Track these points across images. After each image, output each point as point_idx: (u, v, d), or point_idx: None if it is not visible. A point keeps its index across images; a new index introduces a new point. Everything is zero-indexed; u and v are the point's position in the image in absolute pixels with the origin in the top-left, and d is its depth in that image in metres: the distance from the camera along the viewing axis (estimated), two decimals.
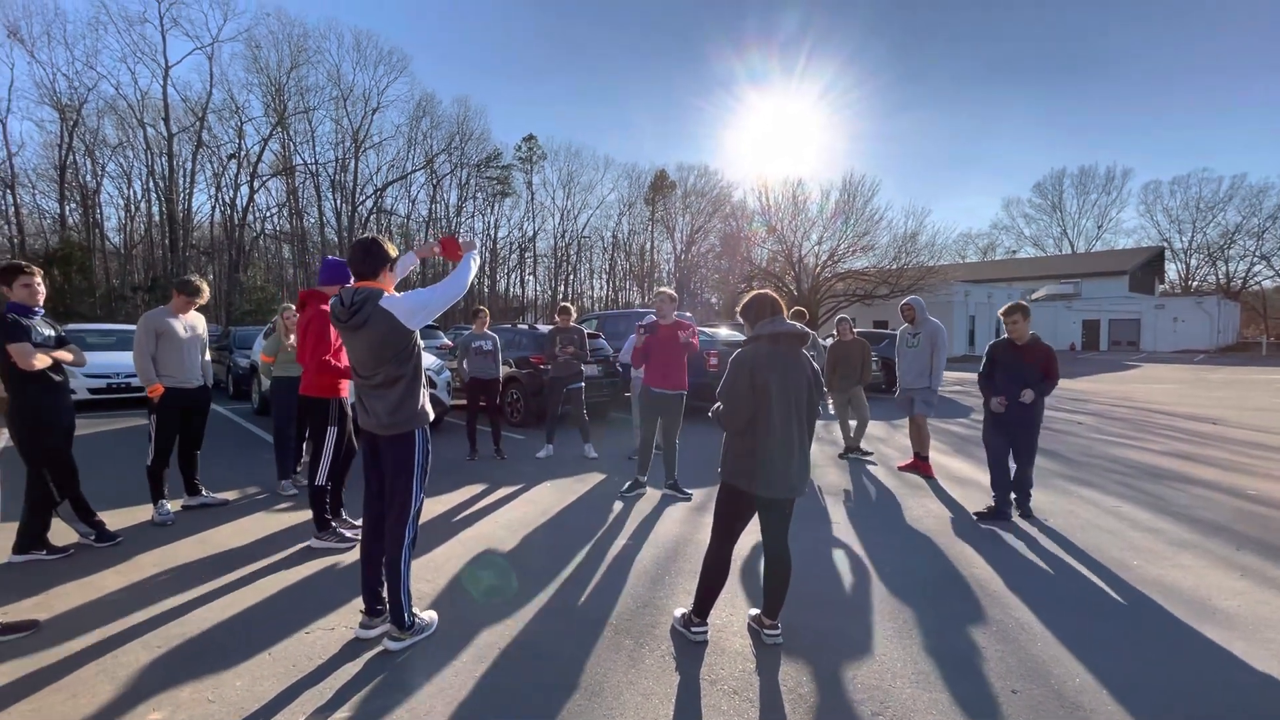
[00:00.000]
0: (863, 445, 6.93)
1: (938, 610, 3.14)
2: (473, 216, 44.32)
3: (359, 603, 2.90)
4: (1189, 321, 37.79)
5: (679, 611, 3.00)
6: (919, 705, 2.34)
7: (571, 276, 48.80)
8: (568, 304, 7.55)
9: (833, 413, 7.10)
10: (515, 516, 4.73)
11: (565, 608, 3.17)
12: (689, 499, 5.14)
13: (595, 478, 5.95)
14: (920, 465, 6.11)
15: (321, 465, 4.04)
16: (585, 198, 47.80)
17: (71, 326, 12.77)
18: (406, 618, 2.74)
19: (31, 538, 3.73)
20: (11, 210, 29.31)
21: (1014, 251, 62.57)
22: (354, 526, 4.14)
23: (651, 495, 5.28)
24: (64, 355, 3.79)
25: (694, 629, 2.82)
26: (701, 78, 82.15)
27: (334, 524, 4.11)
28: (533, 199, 46.28)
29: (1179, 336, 37.49)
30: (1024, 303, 4.70)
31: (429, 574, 3.55)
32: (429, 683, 2.47)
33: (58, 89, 29.25)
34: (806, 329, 2.89)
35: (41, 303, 3.72)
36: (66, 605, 3.13)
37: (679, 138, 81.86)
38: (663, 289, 5.53)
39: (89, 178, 31.62)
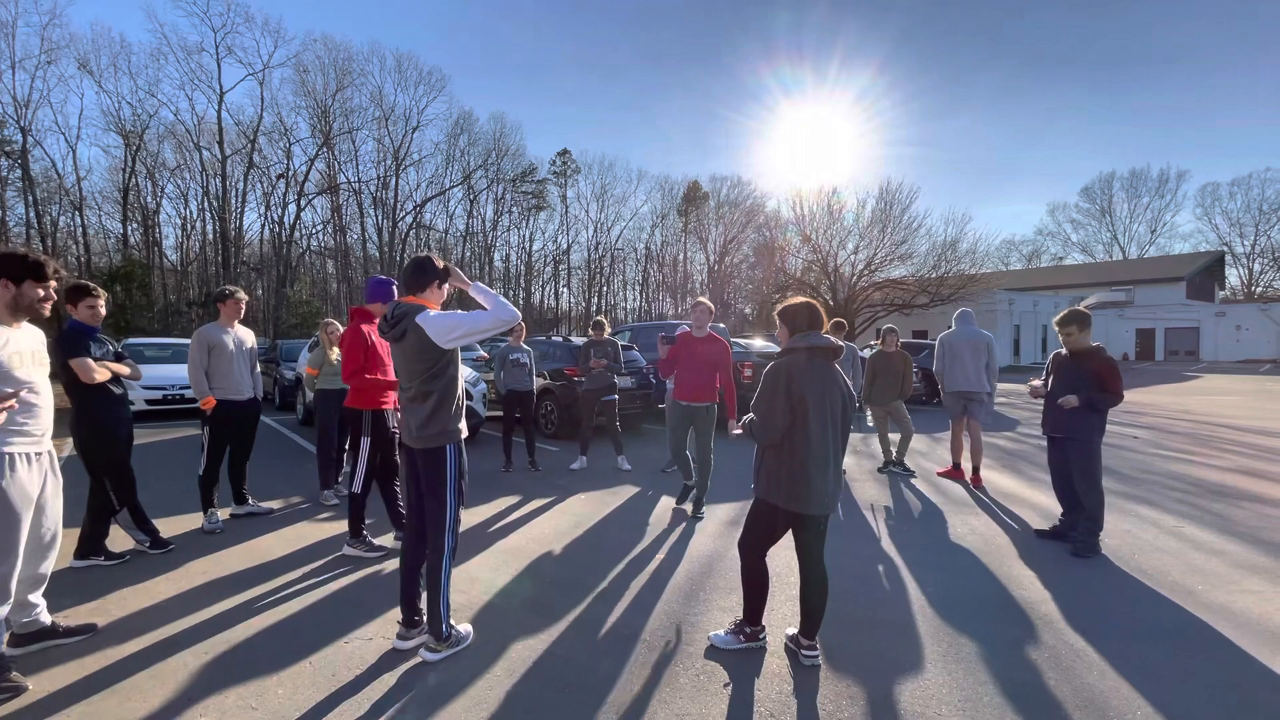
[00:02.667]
0: (905, 460, 6.74)
1: (986, 633, 3.01)
2: (508, 230, 45.15)
3: (396, 613, 2.93)
4: (1253, 329, 35.81)
5: (714, 632, 2.95)
6: None
7: (605, 288, 49.16)
8: (602, 318, 7.59)
9: (871, 425, 6.93)
10: (549, 529, 4.75)
11: (599, 623, 3.15)
12: (701, 518, 4.95)
13: (629, 490, 5.93)
14: (953, 473, 6.22)
15: (357, 474, 4.13)
16: (619, 210, 48.40)
17: (130, 340, 13.46)
18: (444, 629, 2.76)
19: (92, 544, 3.90)
20: (79, 231, 31.12)
21: (1061, 258, 60.59)
22: (371, 545, 4.20)
23: (680, 509, 5.23)
24: (122, 369, 3.97)
25: (749, 633, 2.83)
26: (734, 89, 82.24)
27: (358, 534, 4.18)
28: (567, 212, 46.93)
29: (1242, 345, 35.55)
30: (1082, 309, 4.39)
31: (464, 585, 3.58)
32: (463, 695, 2.48)
33: (122, 116, 31.01)
34: (842, 343, 2.84)
35: (100, 324, 3.91)
36: (122, 610, 3.26)
37: (712, 149, 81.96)
38: (701, 300, 5.29)
39: (149, 199, 33.37)
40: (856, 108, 59.10)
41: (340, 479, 5.75)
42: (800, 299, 2.87)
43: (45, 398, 2.67)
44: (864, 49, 77.07)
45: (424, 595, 2.84)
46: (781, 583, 3.46)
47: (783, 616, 3.14)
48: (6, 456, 2.49)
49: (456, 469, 2.82)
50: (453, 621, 2.87)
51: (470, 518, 4.96)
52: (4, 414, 1.91)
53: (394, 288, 4.30)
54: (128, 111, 31.10)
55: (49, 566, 2.83)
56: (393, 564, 3.86)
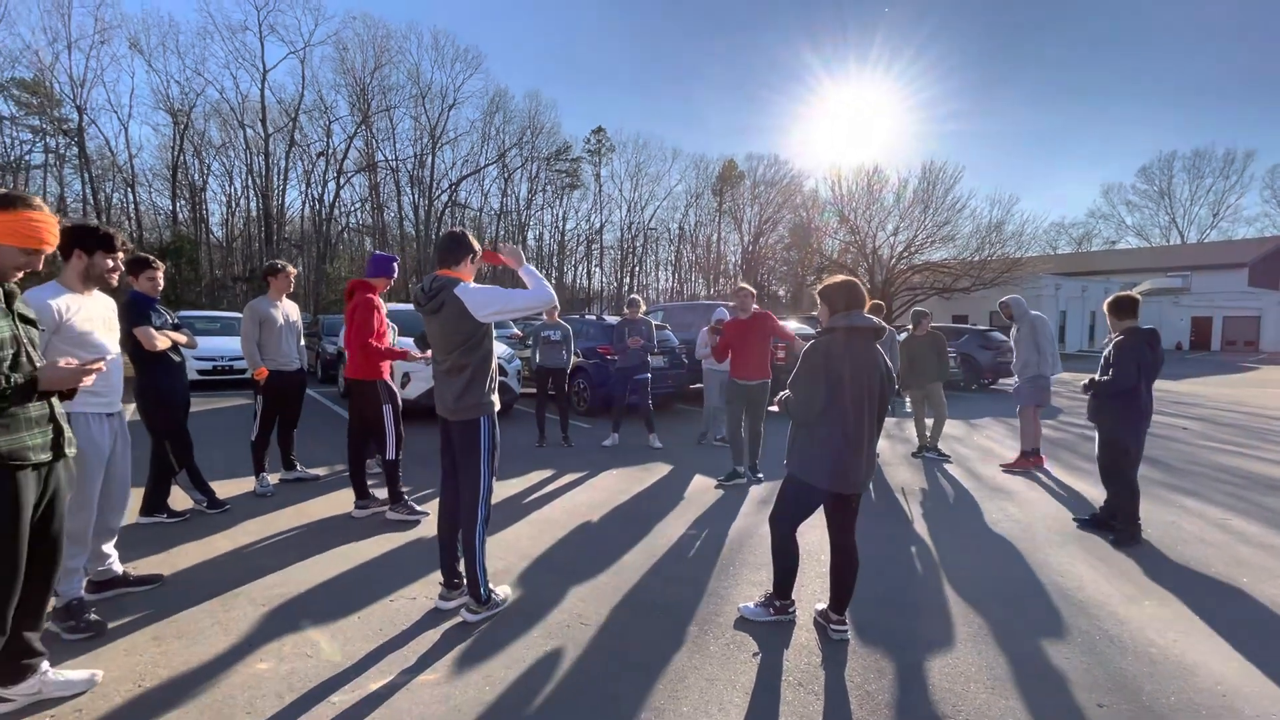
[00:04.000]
0: (939, 445, 6.66)
1: (1017, 616, 3.00)
2: (542, 209, 45.26)
3: (438, 575, 3.07)
4: None
5: (744, 604, 3.01)
6: (994, 712, 2.26)
7: (637, 268, 49.04)
8: (637, 296, 7.63)
9: (908, 410, 6.86)
10: (581, 502, 4.86)
11: (631, 591, 3.24)
12: (759, 482, 5.39)
13: (660, 467, 6.01)
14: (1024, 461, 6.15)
15: (388, 441, 4.31)
16: (652, 189, 47.82)
17: (181, 313, 14.01)
18: (483, 592, 2.88)
19: (155, 502, 4.15)
20: (132, 207, 32.33)
21: (1114, 242, 58.02)
22: (380, 502, 4.43)
23: (730, 486, 5.29)
24: (180, 338, 4.17)
25: (779, 606, 2.90)
26: (773, 67, 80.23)
27: (398, 499, 4.37)
28: (600, 191, 46.74)
29: None
30: (1134, 294, 4.29)
31: (501, 552, 3.71)
32: (503, 653, 2.60)
33: (171, 95, 31.93)
34: (883, 323, 2.82)
35: (159, 295, 4.11)
36: (185, 563, 3.48)
37: (748, 128, 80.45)
38: (743, 285, 5.88)
39: (196, 176, 34.40)
40: (900, 83, 57.10)
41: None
42: (842, 278, 2.85)
43: (116, 362, 2.84)
44: (910, 24, 74.17)
45: (462, 561, 2.96)
46: (812, 559, 3.49)
47: (812, 592, 3.18)
48: (81, 416, 2.68)
49: (490, 441, 2.90)
50: (491, 585, 2.99)
51: (506, 489, 5.11)
52: (93, 377, 2.05)
53: (395, 264, 4.56)
54: (176, 90, 32.02)
55: (119, 520, 3.05)
56: (433, 529, 4.01)
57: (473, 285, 2.84)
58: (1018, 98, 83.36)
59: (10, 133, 29.28)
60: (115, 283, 2.89)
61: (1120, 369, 4.04)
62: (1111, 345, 4.17)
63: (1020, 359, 6.07)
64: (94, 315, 2.73)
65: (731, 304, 5.80)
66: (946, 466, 6.21)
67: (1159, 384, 4.46)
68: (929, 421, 6.69)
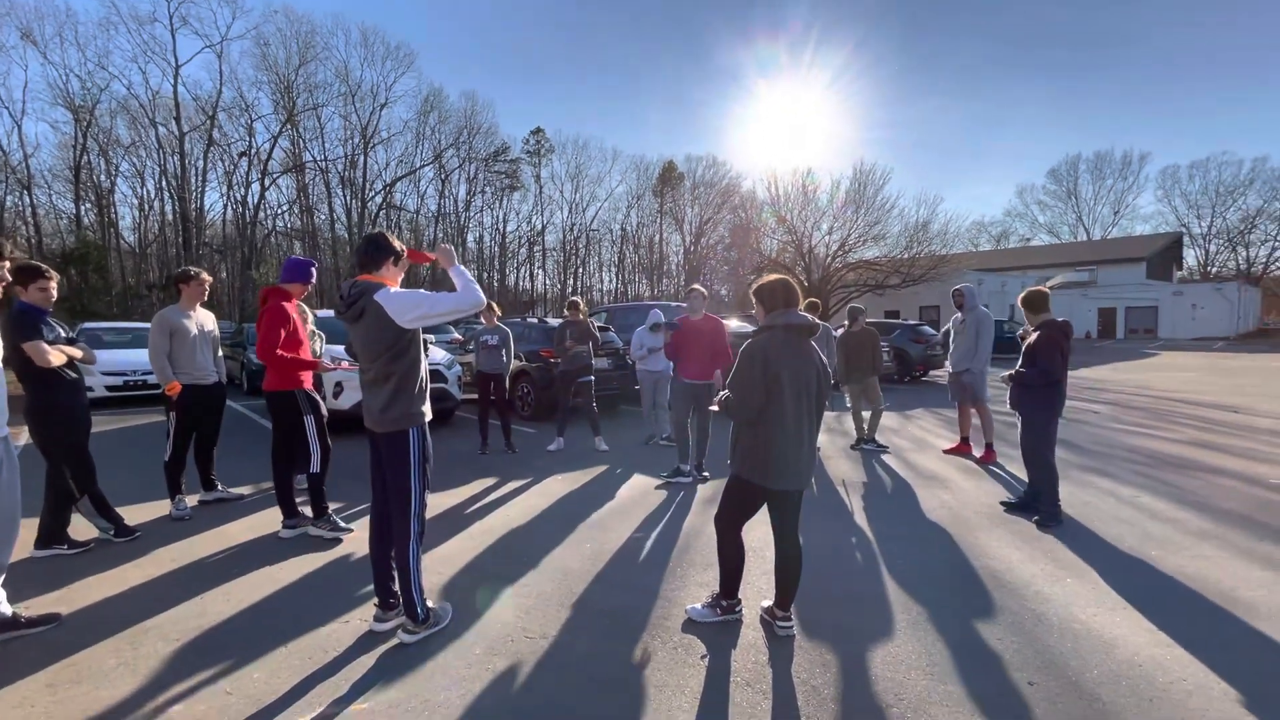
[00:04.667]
0: (876, 437, 6.88)
1: (951, 603, 3.11)
2: (482, 211, 44.42)
3: (373, 595, 2.91)
4: (1208, 308, 37.12)
5: (691, 605, 3.00)
6: (934, 697, 2.32)
7: (580, 270, 48.81)
8: (577, 298, 7.54)
9: (848, 404, 7.06)
10: (526, 509, 4.75)
11: (577, 600, 3.17)
12: (704, 481, 5.43)
13: (606, 470, 5.96)
14: (961, 448, 6.49)
15: (312, 455, 4.11)
16: (594, 190, 47.80)
17: (88, 325, 12.97)
18: (420, 611, 2.75)
19: (52, 533, 3.78)
20: (29, 211, 29.77)
21: (1028, 239, 61.85)
22: (308, 520, 4.21)
23: (661, 489, 5.28)
24: (75, 352, 3.82)
25: (725, 606, 2.90)
26: (709, 69, 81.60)
27: (322, 514, 4.16)
28: (541, 192, 46.30)
29: (1198, 324, 36.85)
30: (1044, 289, 4.58)
31: (440, 567, 3.57)
32: (443, 674, 2.49)
33: (70, 90, 29.60)
34: (817, 320, 2.86)
35: (51, 306, 3.76)
36: (87, 599, 3.18)
37: (687, 129, 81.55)
38: (696, 286, 6.03)
39: (103, 177, 32.01)
40: (831, 89, 59.35)
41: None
42: (776, 276, 2.88)
43: (1, 382, 2.57)
44: (839, 31, 76.90)
45: (396, 579, 2.82)
46: (757, 557, 3.52)
47: (758, 590, 3.20)
48: None
49: (420, 453, 2.77)
50: (429, 602, 2.86)
51: (447, 499, 4.94)
52: None
53: (313, 269, 4.34)
54: (76, 85, 29.72)
55: (7, 555, 2.75)
56: (365, 548, 3.82)
57: (394, 290, 2.71)
58: (939, 104, 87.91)
59: None
60: (0, 294, 2.63)
61: (1048, 360, 4.25)
62: (1035, 338, 4.38)
63: (958, 350, 6.29)
64: None
65: (673, 305, 5.83)
66: (884, 457, 6.41)
67: (1071, 372, 4.74)
68: (866, 414, 6.91)
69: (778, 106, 64.10)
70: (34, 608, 3.02)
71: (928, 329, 15.06)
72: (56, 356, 3.58)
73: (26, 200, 29.76)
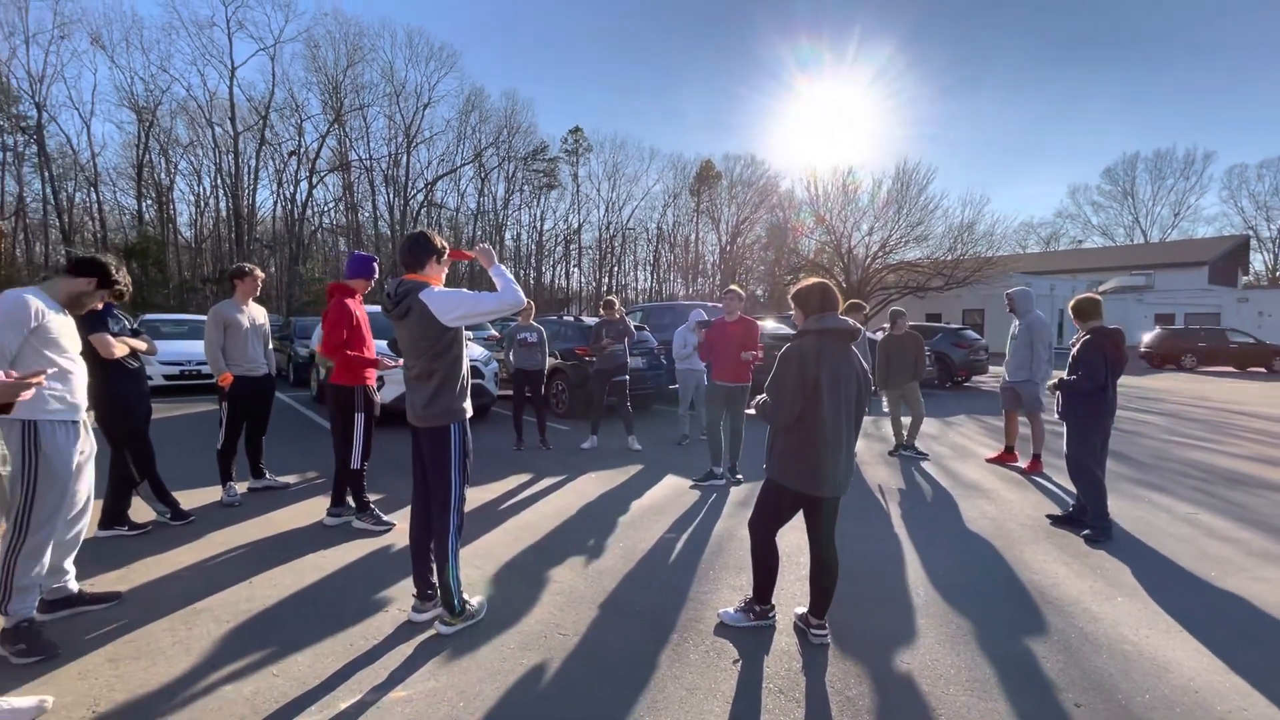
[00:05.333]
0: (916, 444, 6.73)
1: (995, 617, 3.02)
2: (519, 209, 44.94)
3: (412, 586, 2.99)
4: (1275, 315, 35.10)
5: (724, 609, 2.99)
6: (974, 714, 2.26)
7: (616, 269, 48.95)
8: (613, 297, 7.58)
9: (885, 409, 6.92)
10: (560, 506, 4.80)
11: (609, 599, 3.19)
12: (737, 483, 5.39)
13: (639, 469, 5.97)
14: (1005, 457, 6.30)
15: (354, 450, 4.20)
16: (630, 189, 47.77)
17: (147, 316, 13.61)
18: (456, 603, 2.81)
19: (114, 514, 3.99)
20: (95, 206, 31.37)
21: (1080, 241, 59.43)
22: (379, 519, 4.27)
23: (694, 489, 5.27)
24: (139, 344, 4.02)
25: (758, 611, 2.87)
26: (749, 66, 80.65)
27: (365, 508, 4.27)
28: (578, 191, 46.54)
29: (1264, 331, 34.65)
30: (1095, 295, 4.41)
31: (477, 560, 3.63)
32: (478, 666, 2.53)
33: (135, 92, 31.05)
34: (858, 325, 2.81)
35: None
36: (145, 578, 3.35)
37: (725, 128, 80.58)
38: (732, 287, 5.88)
39: (163, 175, 33.50)
40: (875, 86, 58.04)
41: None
42: (813, 280, 2.85)
43: (80, 369, 2.77)
44: (884, 25, 75.12)
45: (435, 571, 2.88)
46: (791, 563, 3.48)
47: (792, 596, 3.17)
48: (47, 424, 2.58)
49: (461, 448, 2.83)
50: (465, 595, 2.92)
51: (483, 494, 5.02)
52: (32, 390, 1.97)
53: (375, 264, 4.45)
54: (140, 87, 31.14)
55: (81, 533, 2.92)
56: (405, 539, 3.91)
57: (438, 289, 2.77)
58: (988, 100, 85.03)
59: None
60: (83, 311, 2.99)
61: (1090, 368, 4.10)
62: (1079, 345, 4.24)
63: (1014, 359, 6.06)
64: (64, 322, 2.74)
65: (710, 305, 5.76)
66: (924, 465, 6.27)
67: (1125, 380, 4.53)
68: (905, 420, 6.76)
69: (819, 104, 63.05)
70: (96, 585, 3.19)
71: (971, 333, 14.63)
72: (120, 348, 3.77)
73: (93, 197, 31.42)
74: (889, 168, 36.41)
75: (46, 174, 29.65)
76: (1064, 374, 4.31)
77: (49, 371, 2.12)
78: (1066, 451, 4.30)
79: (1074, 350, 4.26)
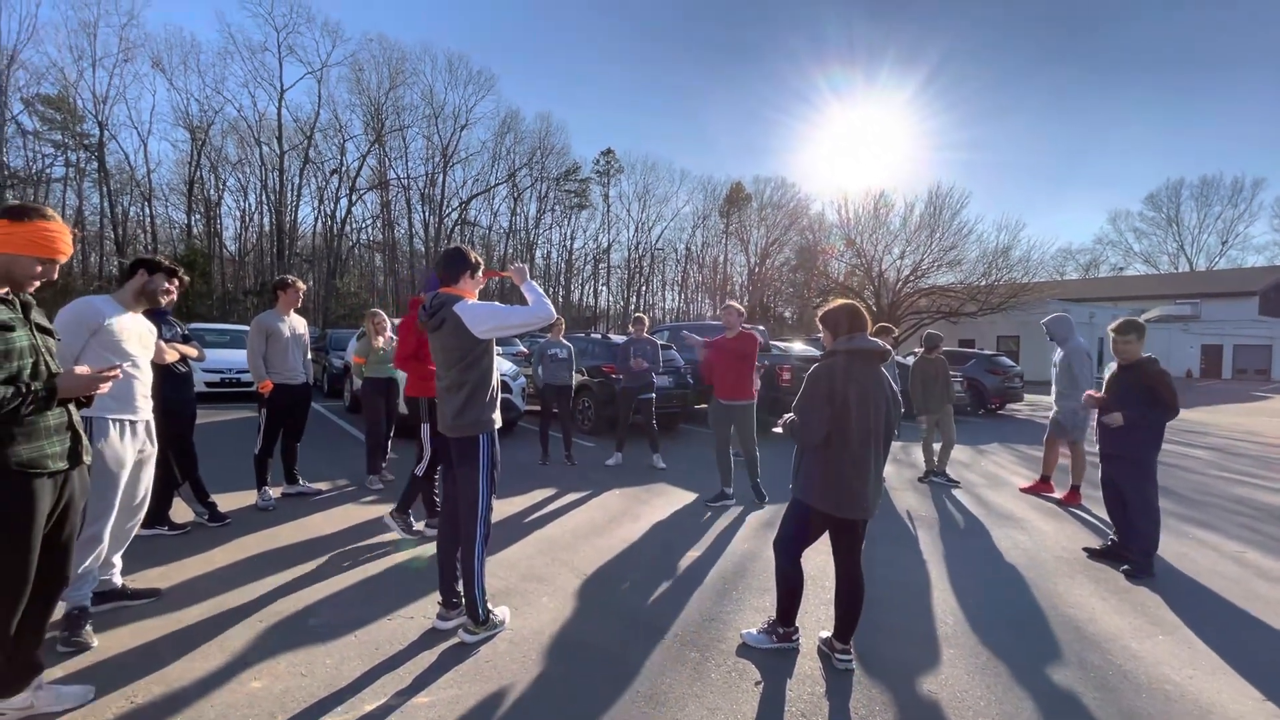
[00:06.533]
0: (947, 470, 6.58)
1: (1025, 649, 2.93)
2: (550, 228, 45.64)
3: (437, 594, 3.03)
4: None
5: (746, 630, 2.96)
6: None
7: (644, 288, 49.23)
8: (642, 315, 7.64)
9: (922, 432, 6.77)
10: (583, 521, 4.81)
11: (632, 614, 3.19)
12: (761, 506, 5.29)
13: (663, 488, 5.96)
14: (1041, 487, 6.14)
15: (422, 459, 4.30)
16: (660, 210, 48.18)
17: (193, 325, 14.13)
18: (481, 612, 2.84)
19: (156, 514, 4.12)
20: (148, 220, 32.81)
21: (1121, 269, 57.88)
22: (409, 524, 4.31)
23: (719, 509, 5.24)
24: (189, 350, 4.20)
25: (782, 633, 2.83)
26: (781, 90, 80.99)
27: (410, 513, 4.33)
28: (608, 211, 47.10)
29: None
30: (1141, 320, 4.28)
31: (501, 571, 3.66)
32: (500, 676, 2.55)
33: (190, 113, 32.56)
34: (888, 347, 2.80)
35: (171, 307, 4.15)
36: (183, 577, 3.46)
37: (756, 150, 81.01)
38: (730, 303, 5.76)
39: (212, 191, 34.92)
40: (908, 109, 57.80)
41: (385, 464, 5.94)
42: (842, 302, 2.86)
43: (145, 373, 2.95)
44: (919, 48, 75.13)
45: (460, 580, 2.92)
46: (816, 585, 3.43)
47: (816, 619, 3.12)
48: (106, 422, 2.73)
49: (489, 459, 2.88)
50: (490, 606, 2.95)
51: (507, 507, 5.07)
52: (109, 384, 2.10)
53: None
54: (195, 108, 32.64)
55: (134, 528, 3.06)
56: (433, 548, 3.97)
57: (471, 302, 2.85)
58: (1024, 124, 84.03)
59: (34, 147, 29.92)
60: (163, 303, 3.21)
61: (1173, 392, 3.99)
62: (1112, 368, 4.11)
63: (1056, 387, 5.90)
64: (132, 328, 2.89)
65: (746, 327, 5.65)
66: (955, 492, 6.13)
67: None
68: (937, 446, 6.63)
69: (851, 128, 63.00)
70: (138, 581, 3.31)
71: (1005, 360, 14.32)
72: (171, 354, 3.94)
73: (146, 211, 32.85)
74: (921, 191, 36.13)
75: (105, 189, 31.17)
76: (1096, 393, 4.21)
77: (123, 366, 2.25)
78: (1133, 486, 4.06)
79: (1142, 379, 4.08)
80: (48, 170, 30.70)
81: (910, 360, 7.24)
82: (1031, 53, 79.15)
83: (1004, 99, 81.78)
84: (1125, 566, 3.99)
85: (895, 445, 8.16)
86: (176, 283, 3.23)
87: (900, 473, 6.99)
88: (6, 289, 1.99)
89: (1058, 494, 5.94)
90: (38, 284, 2.06)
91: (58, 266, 2.09)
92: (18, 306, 2.00)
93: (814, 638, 2.91)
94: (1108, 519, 4.43)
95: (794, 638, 2.86)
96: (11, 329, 1.92)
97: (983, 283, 25.38)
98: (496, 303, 2.93)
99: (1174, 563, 4.19)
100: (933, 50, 73.50)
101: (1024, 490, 6.19)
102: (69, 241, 2.10)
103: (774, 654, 2.80)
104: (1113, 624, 3.24)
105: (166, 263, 3.16)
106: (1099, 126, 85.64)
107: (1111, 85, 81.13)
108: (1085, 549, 4.39)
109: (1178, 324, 36.74)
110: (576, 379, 7.30)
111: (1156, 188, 64.71)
